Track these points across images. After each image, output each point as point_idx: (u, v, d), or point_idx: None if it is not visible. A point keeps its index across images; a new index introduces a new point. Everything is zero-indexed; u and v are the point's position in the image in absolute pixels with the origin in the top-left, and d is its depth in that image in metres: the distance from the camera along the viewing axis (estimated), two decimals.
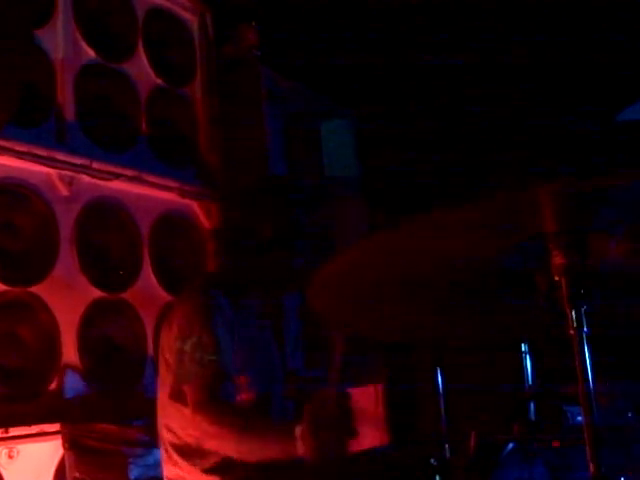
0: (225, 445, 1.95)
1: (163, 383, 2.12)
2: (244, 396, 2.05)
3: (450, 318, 1.64)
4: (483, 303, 1.56)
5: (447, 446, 2.22)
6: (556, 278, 1.30)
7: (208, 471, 2.04)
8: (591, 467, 1.23)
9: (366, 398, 3.53)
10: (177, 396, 2.03)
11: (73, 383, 2.75)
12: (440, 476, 1.95)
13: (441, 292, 1.49)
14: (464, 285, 1.48)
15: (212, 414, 1.94)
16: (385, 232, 1.29)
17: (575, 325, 1.27)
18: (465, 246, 1.35)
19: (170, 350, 2.08)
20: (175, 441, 2.09)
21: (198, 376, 1.99)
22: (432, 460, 1.99)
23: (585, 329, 1.27)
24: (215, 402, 1.96)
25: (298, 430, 1.80)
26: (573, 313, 1.27)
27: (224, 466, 2.02)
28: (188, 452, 2.05)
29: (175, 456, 2.09)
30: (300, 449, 1.79)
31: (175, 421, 2.08)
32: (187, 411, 2.00)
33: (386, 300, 1.53)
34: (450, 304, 1.55)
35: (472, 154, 3.58)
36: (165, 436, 2.13)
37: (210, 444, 1.98)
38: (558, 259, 1.29)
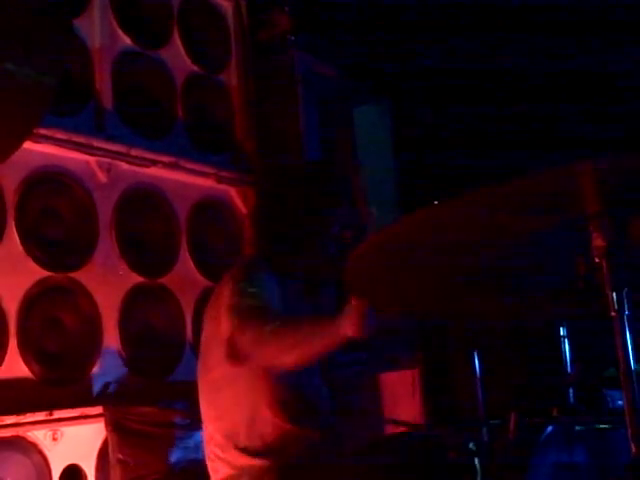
0: (268, 350, 1.93)
1: (213, 348, 2.09)
2: None
3: (484, 298, 1.63)
4: (520, 284, 1.55)
5: (485, 429, 2.20)
6: (596, 260, 1.29)
7: (251, 453, 2.04)
8: (633, 448, 1.22)
9: (403, 382, 3.54)
10: (230, 351, 2.02)
11: (114, 367, 2.80)
12: (479, 460, 1.94)
13: (475, 272, 1.48)
14: (500, 265, 1.47)
15: (256, 325, 1.93)
16: (420, 211, 1.27)
17: (616, 307, 1.26)
18: (503, 226, 1.34)
19: (218, 313, 2.05)
20: (220, 424, 2.08)
21: (247, 307, 1.98)
22: (471, 444, 1.98)
23: (626, 311, 1.26)
24: (261, 319, 1.95)
25: (342, 310, 1.79)
26: (614, 295, 1.26)
27: (268, 450, 2.02)
28: (231, 434, 2.06)
29: (218, 437, 2.09)
30: (345, 327, 1.77)
31: (223, 398, 2.06)
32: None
33: (421, 279, 1.53)
34: (485, 283, 1.54)
35: (510, 141, 3.54)
36: (209, 421, 2.12)
37: (256, 359, 1.96)
38: (599, 241, 1.28)
